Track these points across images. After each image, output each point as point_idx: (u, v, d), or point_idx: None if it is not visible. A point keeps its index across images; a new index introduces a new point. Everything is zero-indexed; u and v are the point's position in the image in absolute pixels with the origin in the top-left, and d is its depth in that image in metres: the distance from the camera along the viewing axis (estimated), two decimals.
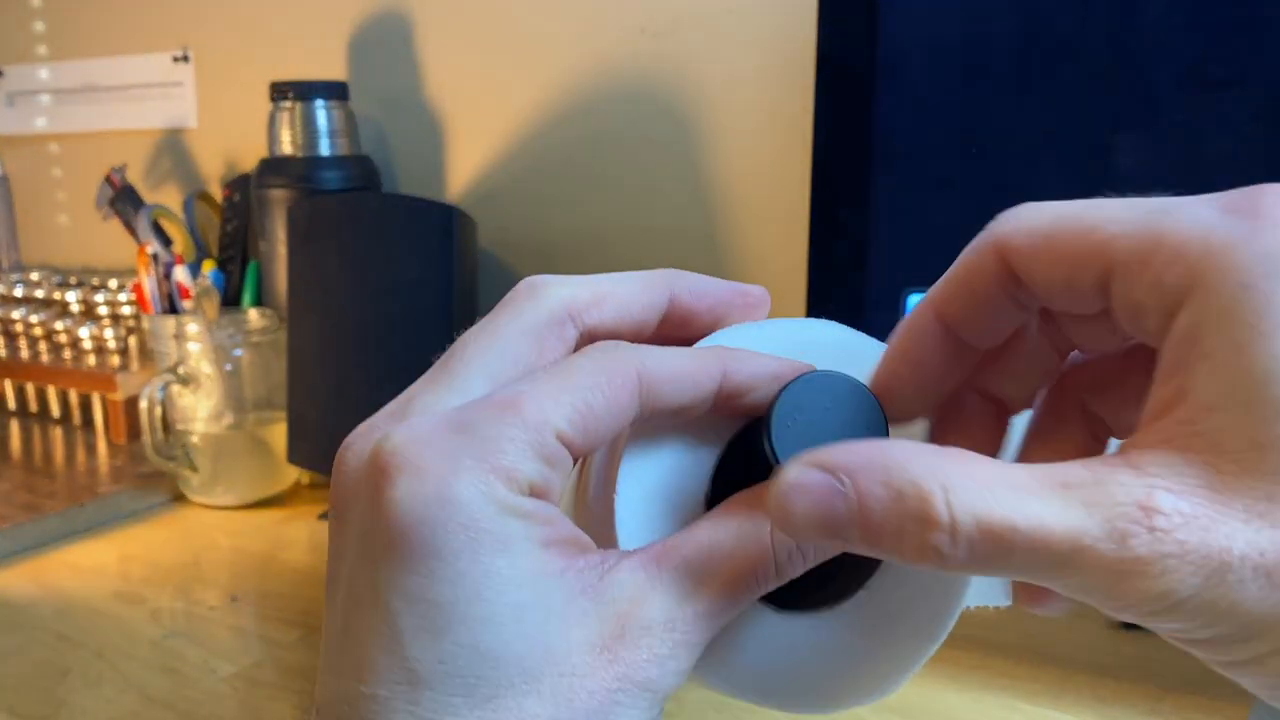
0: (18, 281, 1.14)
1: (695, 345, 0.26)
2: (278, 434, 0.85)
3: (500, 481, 0.22)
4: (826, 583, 0.25)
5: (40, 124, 1.24)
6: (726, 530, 0.24)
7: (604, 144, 0.85)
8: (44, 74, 1.23)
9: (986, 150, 0.57)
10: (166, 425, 0.87)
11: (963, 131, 0.58)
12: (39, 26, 1.22)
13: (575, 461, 0.23)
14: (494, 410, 0.22)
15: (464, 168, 0.93)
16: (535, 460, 0.22)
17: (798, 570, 0.24)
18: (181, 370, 0.85)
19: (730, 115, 0.79)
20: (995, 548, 0.19)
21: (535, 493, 0.22)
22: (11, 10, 1.23)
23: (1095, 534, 0.19)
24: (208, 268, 0.91)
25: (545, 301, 0.25)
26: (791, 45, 0.74)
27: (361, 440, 0.24)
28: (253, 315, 0.89)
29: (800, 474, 0.21)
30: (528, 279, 0.26)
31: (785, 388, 0.24)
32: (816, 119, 0.61)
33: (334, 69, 0.98)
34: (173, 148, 1.13)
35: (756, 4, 0.77)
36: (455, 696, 0.21)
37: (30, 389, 1.11)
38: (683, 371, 0.24)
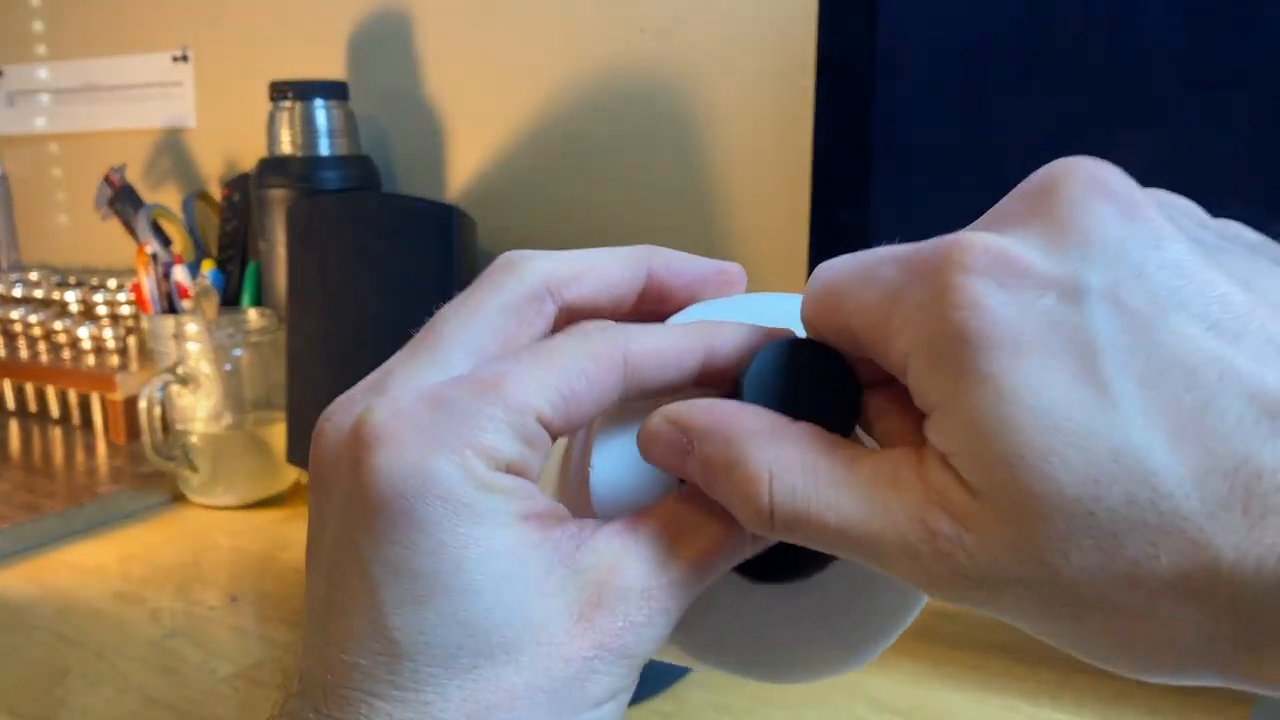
0: (17, 281, 1.14)
1: (672, 319, 0.26)
2: (277, 434, 0.85)
3: (478, 458, 0.22)
4: (800, 554, 0.25)
5: (40, 124, 1.24)
6: (701, 500, 0.24)
7: (604, 144, 0.85)
8: (44, 74, 1.23)
9: (987, 150, 0.57)
10: (166, 425, 0.87)
11: (963, 131, 0.58)
12: (39, 26, 1.22)
13: (554, 441, 0.24)
14: (475, 389, 0.23)
15: (464, 168, 0.93)
16: (514, 440, 0.22)
17: (771, 540, 0.24)
18: (181, 370, 0.85)
19: (730, 115, 0.79)
20: (809, 535, 0.22)
21: (513, 471, 0.23)
22: (11, 10, 1.23)
23: (892, 545, 0.20)
24: (207, 268, 0.91)
25: (525, 276, 0.25)
26: (791, 45, 0.74)
27: (340, 413, 0.24)
28: (252, 315, 0.89)
29: (658, 426, 0.23)
30: (506, 254, 0.26)
31: (758, 355, 0.24)
32: (816, 119, 0.61)
33: (334, 69, 0.98)
34: (172, 147, 1.13)
35: (757, 4, 0.77)
36: (434, 667, 0.22)
37: (30, 389, 1.10)
38: (667, 353, 0.24)
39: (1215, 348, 0.18)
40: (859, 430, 0.23)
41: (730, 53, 0.78)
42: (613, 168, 0.85)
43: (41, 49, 1.23)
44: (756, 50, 0.77)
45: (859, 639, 0.27)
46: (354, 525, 0.22)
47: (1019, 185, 0.22)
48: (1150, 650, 0.19)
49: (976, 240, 0.20)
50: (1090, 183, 0.20)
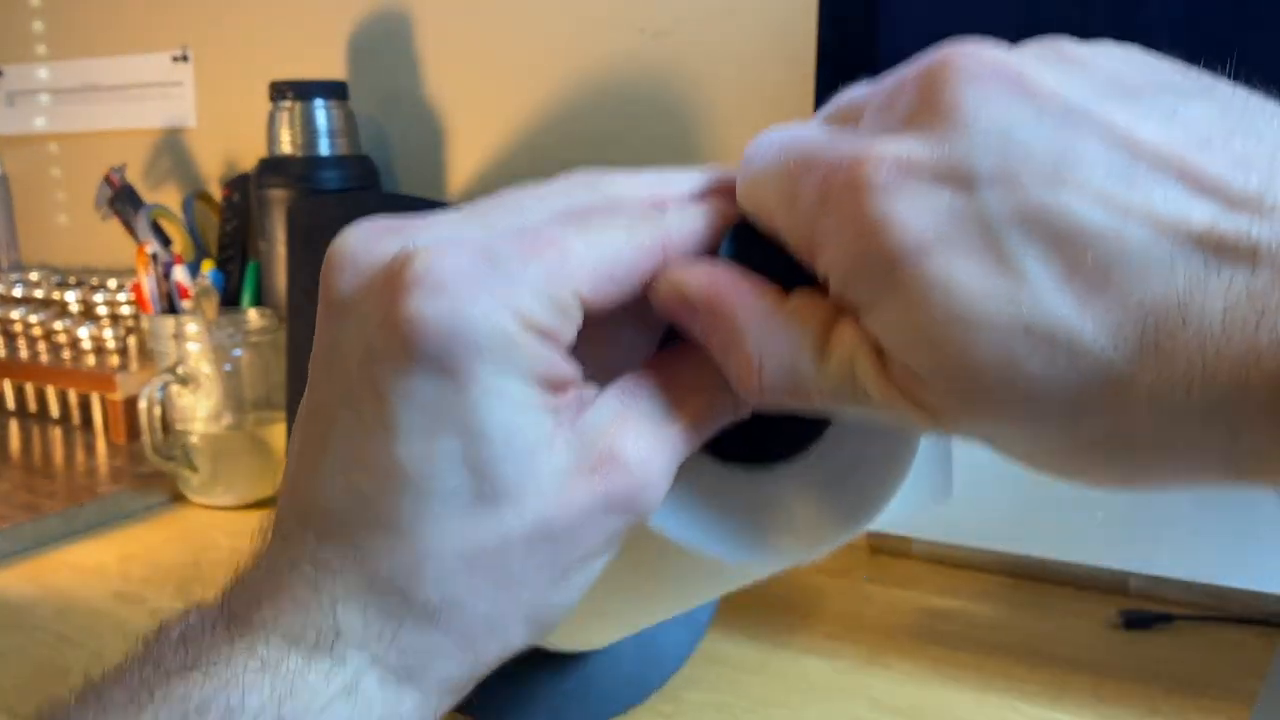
0: (17, 281, 1.14)
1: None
2: (277, 434, 0.85)
3: (512, 318, 0.23)
4: (775, 441, 0.27)
5: (40, 124, 1.24)
6: (695, 360, 0.25)
7: (604, 144, 0.85)
8: (44, 74, 1.23)
9: None
10: (166, 425, 0.86)
11: None
12: (39, 26, 1.22)
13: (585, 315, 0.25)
14: (523, 250, 0.23)
15: (464, 168, 0.93)
16: (549, 308, 0.23)
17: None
18: (181, 370, 0.85)
19: (730, 115, 0.79)
20: (800, 408, 0.24)
21: (544, 335, 0.23)
22: (11, 10, 1.23)
23: (871, 411, 0.23)
24: (207, 267, 0.91)
25: (604, 195, 0.27)
26: (791, 45, 0.74)
27: (372, 241, 0.25)
28: (252, 315, 0.89)
29: (665, 292, 0.25)
30: (582, 173, 0.28)
31: (735, 225, 0.26)
32: None
33: (334, 69, 0.98)
34: (172, 147, 1.13)
35: (756, 4, 0.77)
36: (434, 503, 0.23)
37: (30, 389, 1.10)
38: (701, 239, 0.26)
39: (1114, 198, 0.19)
40: None
41: (730, 53, 0.78)
42: (613, 168, 0.85)
43: (41, 49, 1.23)
44: (756, 50, 0.77)
45: (819, 532, 0.29)
46: (378, 354, 0.23)
47: (908, 69, 0.23)
48: (1097, 473, 0.22)
49: (874, 154, 0.21)
50: (970, 67, 0.22)
